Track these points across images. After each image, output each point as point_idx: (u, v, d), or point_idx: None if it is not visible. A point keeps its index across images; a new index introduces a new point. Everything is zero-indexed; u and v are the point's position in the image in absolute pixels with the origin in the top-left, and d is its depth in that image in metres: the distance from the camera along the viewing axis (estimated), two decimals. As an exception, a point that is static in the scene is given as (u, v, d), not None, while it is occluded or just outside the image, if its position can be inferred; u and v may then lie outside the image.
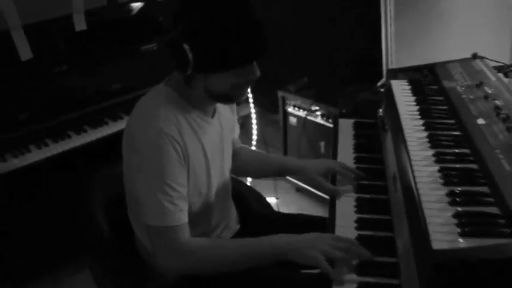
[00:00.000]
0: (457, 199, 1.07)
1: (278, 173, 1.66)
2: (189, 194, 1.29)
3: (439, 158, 1.24)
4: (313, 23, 2.89)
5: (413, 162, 1.23)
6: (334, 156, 1.75)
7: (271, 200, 2.84)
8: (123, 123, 2.24)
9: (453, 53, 1.82)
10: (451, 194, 1.09)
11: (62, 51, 2.23)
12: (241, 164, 1.61)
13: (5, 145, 2.02)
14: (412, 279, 1.04)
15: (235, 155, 1.59)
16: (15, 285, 2.21)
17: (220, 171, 1.43)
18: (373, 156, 1.70)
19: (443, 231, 0.99)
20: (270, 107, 3.23)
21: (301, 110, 2.67)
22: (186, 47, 1.15)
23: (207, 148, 1.33)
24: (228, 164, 1.49)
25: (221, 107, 1.42)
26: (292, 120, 2.75)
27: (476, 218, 1.01)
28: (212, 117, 1.37)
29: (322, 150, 2.67)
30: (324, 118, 2.57)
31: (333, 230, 1.37)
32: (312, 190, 2.79)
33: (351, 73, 2.74)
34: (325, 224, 1.47)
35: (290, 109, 2.73)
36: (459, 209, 1.04)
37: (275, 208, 2.59)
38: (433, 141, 1.31)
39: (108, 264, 1.42)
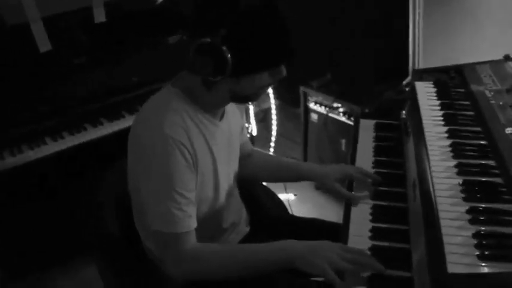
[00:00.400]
0: (478, 217, 1.00)
1: (293, 178, 1.61)
2: (197, 198, 1.25)
3: (461, 169, 1.16)
4: (339, 19, 2.81)
5: (433, 174, 1.17)
6: (353, 158, 1.68)
7: (289, 196, 2.79)
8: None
9: (484, 55, 1.72)
10: (472, 210, 1.02)
11: (82, 43, 2.21)
12: (254, 169, 1.56)
13: (23, 137, 2.01)
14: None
15: (247, 158, 1.55)
16: (20, 277, 2.22)
17: (228, 175, 1.38)
18: (394, 160, 1.62)
19: (460, 252, 0.93)
20: (291, 101, 3.17)
21: (322, 107, 2.60)
22: (225, 50, 1.11)
23: (215, 152, 1.29)
24: (234, 167, 1.44)
25: (230, 110, 1.38)
26: (314, 116, 2.68)
27: (498, 240, 0.94)
28: (221, 120, 1.32)
29: (343, 147, 2.60)
30: (346, 116, 2.49)
31: (346, 239, 1.31)
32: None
33: (376, 71, 2.65)
34: (338, 231, 1.42)
35: (312, 105, 2.66)
36: (480, 228, 0.97)
37: (290, 206, 2.57)
38: (457, 150, 1.24)
39: (115, 264, 1.40)
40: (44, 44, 2.06)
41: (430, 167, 1.20)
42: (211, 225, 1.37)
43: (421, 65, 1.89)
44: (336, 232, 1.44)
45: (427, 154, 1.25)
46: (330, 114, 2.57)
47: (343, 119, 2.51)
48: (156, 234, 1.21)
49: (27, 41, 2.03)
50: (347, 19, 2.77)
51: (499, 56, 1.70)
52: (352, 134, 2.41)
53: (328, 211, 2.58)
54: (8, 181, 1.97)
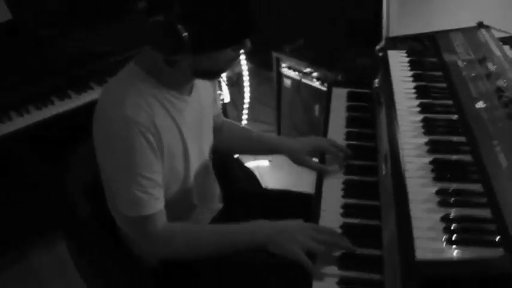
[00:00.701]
0: (448, 199, 0.99)
1: (264, 151, 1.60)
2: (166, 179, 1.22)
3: (432, 147, 1.15)
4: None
5: (404, 152, 1.15)
6: (326, 128, 1.66)
7: (263, 162, 2.77)
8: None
9: (459, 19, 1.69)
10: (441, 192, 1.01)
11: (48, 13, 2.09)
12: (224, 141, 1.53)
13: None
14: (395, 277, 0.98)
15: (218, 130, 1.51)
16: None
17: (199, 151, 1.35)
18: (366, 131, 1.61)
19: (429, 236, 0.92)
20: (264, 65, 3.10)
21: (296, 72, 2.55)
22: (181, 29, 1.05)
23: (184, 129, 1.25)
24: (208, 142, 1.41)
25: (200, 82, 1.32)
26: (287, 81, 2.64)
27: (466, 223, 0.93)
28: (189, 94, 1.27)
29: (317, 113, 2.58)
30: (319, 82, 2.45)
31: (317, 216, 1.30)
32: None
33: (348, 36, 2.59)
34: (310, 202, 1.41)
35: (284, 70, 2.61)
36: (448, 211, 0.96)
37: (263, 174, 2.55)
38: (428, 126, 1.22)
39: (86, 249, 1.37)
40: (2, 14, 1.95)
41: (401, 144, 1.18)
42: (182, 202, 1.35)
43: (394, 31, 1.84)
44: (308, 203, 1.43)
45: (398, 130, 1.23)
46: (303, 80, 2.52)
47: (316, 84, 2.48)
48: (125, 217, 1.19)
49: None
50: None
51: (472, 23, 1.67)
52: (325, 100, 2.40)
53: (302, 178, 2.58)
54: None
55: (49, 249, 2.32)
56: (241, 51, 1.18)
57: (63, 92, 2.09)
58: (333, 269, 1.15)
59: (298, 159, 1.49)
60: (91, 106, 2.01)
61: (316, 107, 2.56)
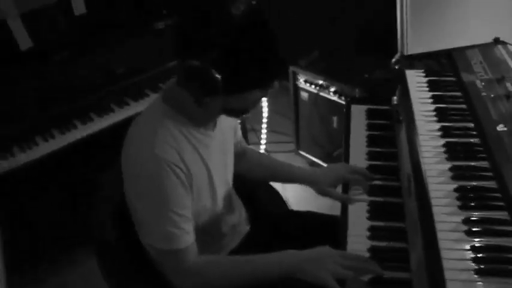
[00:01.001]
0: (474, 228, 1.02)
1: (285, 180, 1.63)
2: (194, 212, 1.26)
3: (456, 173, 1.18)
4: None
5: (428, 180, 1.18)
6: (347, 148, 1.69)
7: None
8: (129, 110, 2.19)
9: (472, 37, 1.71)
10: (468, 221, 1.04)
11: (64, 37, 2.15)
12: (247, 167, 1.57)
13: (12, 139, 1.99)
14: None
15: (240, 157, 1.55)
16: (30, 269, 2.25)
17: (225, 181, 1.39)
18: (387, 151, 1.63)
19: (458, 268, 0.95)
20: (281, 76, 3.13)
21: (312, 86, 2.59)
22: (215, 73, 1.08)
23: (210, 163, 1.29)
24: (230, 171, 1.45)
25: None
26: (304, 95, 2.67)
27: (494, 253, 0.96)
28: (213, 129, 1.32)
29: (335, 125, 2.61)
30: (337, 95, 2.48)
31: (344, 240, 1.34)
32: (324, 165, 2.75)
33: (364, 47, 2.62)
34: (336, 224, 1.45)
35: (301, 84, 2.64)
36: (476, 240, 1.00)
37: (286, 193, 2.57)
38: (450, 151, 1.25)
39: (113, 267, 1.41)
40: (24, 42, 2.01)
41: (424, 171, 1.21)
42: (211, 231, 1.39)
43: (410, 46, 1.86)
44: (334, 225, 1.47)
45: (421, 155, 1.26)
46: (321, 93, 2.55)
47: (334, 98, 2.51)
48: (156, 250, 1.22)
49: (7, 39, 1.98)
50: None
51: (488, 34, 1.69)
52: (343, 111, 2.42)
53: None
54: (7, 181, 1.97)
55: (79, 265, 2.37)
56: (268, 91, 1.21)
57: (85, 115, 2.15)
58: (363, 294, 1.18)
59: (321, 190, 1.53)
60: (114, 128, 2.12)
61: (334, 119, 2.59)
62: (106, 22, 2.26)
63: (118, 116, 2.16)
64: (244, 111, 1.25)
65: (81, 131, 2.08)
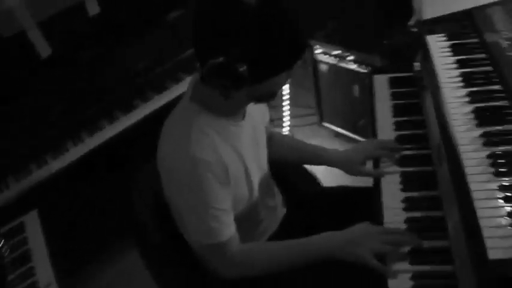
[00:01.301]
0: (510, 194, 1.03)
1: (314, 163, 1.63)
2: (233, 202, 1.29)
3: (487, 139, 1.17)
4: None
5: (460, 148, 1.18)
6: (373, 121, 1.70)
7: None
8: (154, 103, 2.22)
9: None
10: (504, 188, 1.05)
11: (82, 39, 2.18)
12: (275, 152, 1.58)
13: (44, 147, 2.04)
14: (466, 269, 1.03)
15: (267, 140, 1.57)
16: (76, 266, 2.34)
17: (259, 168, 1.41)
18: (415, 119, 1.63)
19: (499, 235, 0.96)
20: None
21: (331, 57, 2.57)
22: (240, 67, 1.09)
23: (244, 153, 1.31)
24: (264, 155, 1.47)
25: None
26: (323, 67, 2.66)
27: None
28: (243, 118, 1.33)
29: (357, 94, 2.60)
30: (356, 64, 2.46)
31: (380, 214, 1.35)
32: (350, 135, 2.75)
33: (379, 13, 2.58)
34: (369, 196, 1.47)
35: (320, 57, 2.63)
36: (514, 205, 1.00)
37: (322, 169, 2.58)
38: (480, 117, 1.24)
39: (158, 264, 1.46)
40: (44, 49, 2.05)
41: (454, 139, 1.21)
42: (251, 218, 1.43)
43: (427, 10, 1.82)
44: (368, 197, 1.49)
45: (450, 123, 1.26)
46: (339, 64, 2.54)
47: (353, 67, 2.49)
48: (200, 245, 1.27)
49: (27, 49, 2.02)
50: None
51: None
52: (363, 79, 2.41)
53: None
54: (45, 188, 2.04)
55: (111, 263, 2.45)
56: (293, 72, 1.21)
57: (110, 115, 2.19)
58: (405, 265, 1.20)
59: (351, 171, 1.54)
60: (140, 124, 2.16)
61: (356, 88, 2.58)
62: (121, 19, 2.27)
63: (143, 111, 2.19)
64: (272, 95, 1.25)
65: (108, 131, 2.12)
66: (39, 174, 1.98)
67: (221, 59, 1.08)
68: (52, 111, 2.06)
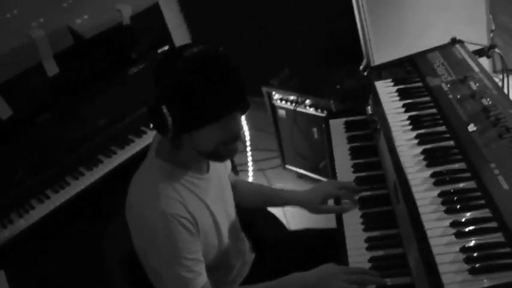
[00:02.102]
0: (462, 230, 1.10)
1: (277, 205, 1.71)
2: (203, 252, 1.32)
3: (437, 179, 1.26)
4: (285, 13, 2.85)
5: (413, 188, 1.26)
6: (332, 165, 1.77)
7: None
8: (119, 158, 2.24)
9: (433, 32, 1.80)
10: (455, 224, 1.13)
11: (41, 100, 2.20)
12: (239, 199, 1.63)
13: (8, 206, 2.02)
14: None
15: (232, 188, 1.61)
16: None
17: (227, 216, 1.46)
18: (371, 160, 1.71)
19: (454, 270, 1.03)
20: (255, 93, 3.20)
21: (288, 103, 2.67)
22: (164, 108, 1.17)
23: (211, 205, 1.36)
24: (231, 203, 1.52)
25: None
26: (281, 112, 2.75)
27: (483, 251, 1.04)
28: (208, 172, 1.38)
29: (316, 136, 2.69)
30: (313, 108, 2.56)
31: (345, 254, 1.41)
32: (313, 176, 2.83)
33: (333, 57, 2.72)
34: (333, 236, 1.52)
35: (277, 103, 2.72)
36: (465, 241, 1.08)
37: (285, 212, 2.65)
38: (429, 158, 1.33)
39: None
40: (4, 111, 2.05)
41: (408, 181, 1.29)
42: (221, 266, 1.46)
43: (375, 57, 1.95)
44: (332, 238, 1.54)
45: (403, 165, 1.34)
46: (298, 109, 2.63)
47: (311, 111, 2.59)
48: None
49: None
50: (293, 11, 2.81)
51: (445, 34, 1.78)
52: (321, 122, 2.49)
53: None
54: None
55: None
56: (228, 130, 1.23)
57: (75, 171, 2.19)
58: (371, 303, 1.26)
59: (313, 209, 1.59)
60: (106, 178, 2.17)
61: (315, 130, 2.67)
62: (81, 76, 2.31)
63: (108, 166, 2.20)
64: (217, 155, 1.27)
65: (74, 187, 2.12)
66: (4, 234, 1.95)
67: (153, 103, 1.18)
68: (16, 171, 2.05)
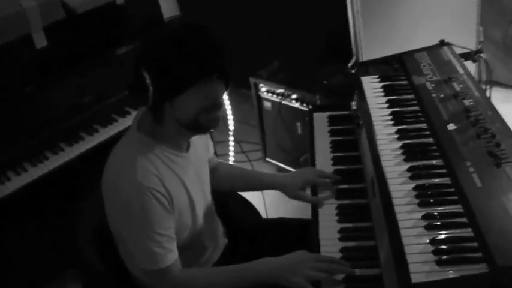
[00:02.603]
0: (433, 223, 1.12)
1: (258, 188, 1.71)
2: (176, 230, 1.32)
3: (414, 173, 1.27)
4: (280, 6, 2.85)
5: (389, 180, 1.27)
6: (312, 155, 1.78)
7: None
8: (99, 137, 2.23)
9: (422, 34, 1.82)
10: (427, 217, 1.14)
11: (28, 71, 2.16)
12: (219, 180, 1.63)
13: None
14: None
15: (213, 171, 1.61)
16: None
17: (203, 197, 1.46)
18: (351, 155, 1.72)
19: (421, 260, 1.04)
20: (242, 85, 3.20)
21: (274, 95, 2.67)
22: (145, 76, 1.17)
23: (188, 183, 1.35)
24: (207, 186, 1.51)
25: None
26: (267, 104, 2.75)
27: (451, 244, 1.06)
28: (187, 151, 1.38)
29: (299, 131, 2.70)
30: (299, 102, 2.57)
31: (317, 244, 1.41)
32: (292, 170, 2.83)
33: (322, 53, 2.73)
34: (306, 227, 1.53)
35: (264, 94, 2.73)
36: (435, 234, 1.09)
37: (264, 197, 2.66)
38: (407, 153, 1.34)
39: None
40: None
41: (385, 173, 1.30)
42: (194, 247, 1.46)
43: (364, 53, 1.97)
44: (306, 229, 1.55)
45: (381, 158, 1.35)
46: (283, 102, 2.64)
47: (296, 105, 2.60)
48: (144, 271, 1.29)
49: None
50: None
51: (435, 34, 1.80)
52: (306, 117, 2.51)
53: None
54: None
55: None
56: (208, 97, 1.23)
57: (55, 146, 2.17)
58: (339, 293, 1.27)
59: (291, 194, 1.60)
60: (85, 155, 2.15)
61: (298, 125, 2.68)
62: (69, 52, 2.28)
63: (88, 143, 2.18)
64: (199, 125, 1.27)
65: (52, 162, 2.09)
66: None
67: (135, 72, 1.20)
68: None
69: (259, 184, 1.67)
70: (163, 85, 1.19)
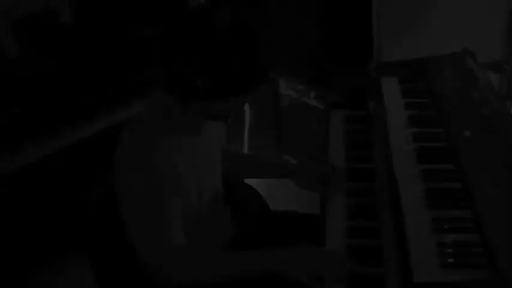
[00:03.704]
0: (441, 226, 1.12)
1: (272, 176, 1.72)
2: (183, 213, 1.33)
3: (425, 175, 1.27)
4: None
5: (400, 181, 1.27)
6: (326, 151, 1.78)
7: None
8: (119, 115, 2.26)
9: (444, 45, 1.82)
10: (435, 219, 1.14)
11: (53, 45, 2.20)
12: (235, 169, 1.64)
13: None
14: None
15: (231, 159, 1.62)
16: (17, 275, 2.29)
17: (212, 183, 1.47)
18: (365, 154, 1.72)
19: (425, 261, 1.05)
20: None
21: (292, 92, 2.68)
22: (197, 80, 1.16)
23: (198, 168, 1.37)
24: (219, 173, 1.53)
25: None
26: (285, 100, 2.76)
27: (457, 248, 1.06)
28: (200, 134, 1.39)
29: (315, 128, 2.70)
30: (316, 99, 2.58)
31: (324, 239, 1.42)
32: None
33: (339, 54, 2.72)
34: (315, 222, 1.53)
35: (281, 91, 2.74)
36: (442, 236, 1.09)
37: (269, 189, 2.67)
38: (420, 156, 1.34)
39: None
40: (11, 50, 2.07)
41: (396, 172, 1.30)
42: (199, 231, 1.47)
43: (385, 54, 1.97)
44: (313, 224, 1.55)
45: (393, 158, 1.36)
46: (301, 99, 2.65)
47: (313, 102, 2.60)
48: (149, 250, 1.29)
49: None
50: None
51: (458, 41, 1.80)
52: (322, 116, 2.51)
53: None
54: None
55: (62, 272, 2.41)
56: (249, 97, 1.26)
57: (73, 121, 2.20)
58: (342, 289, 1.27)
59: (304, 183, 1.61)
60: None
61: (314, 123, 2.68)
62: (93, 32, 2.31)
63: (107, 121, 2.22)
64: (226, 116, 1.31)
65: (69, 136, 2.13)
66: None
67: (181, 69, 1.17)
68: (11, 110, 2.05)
69: (273, 172, 1.71)
70: (211, 90, 1.18)
